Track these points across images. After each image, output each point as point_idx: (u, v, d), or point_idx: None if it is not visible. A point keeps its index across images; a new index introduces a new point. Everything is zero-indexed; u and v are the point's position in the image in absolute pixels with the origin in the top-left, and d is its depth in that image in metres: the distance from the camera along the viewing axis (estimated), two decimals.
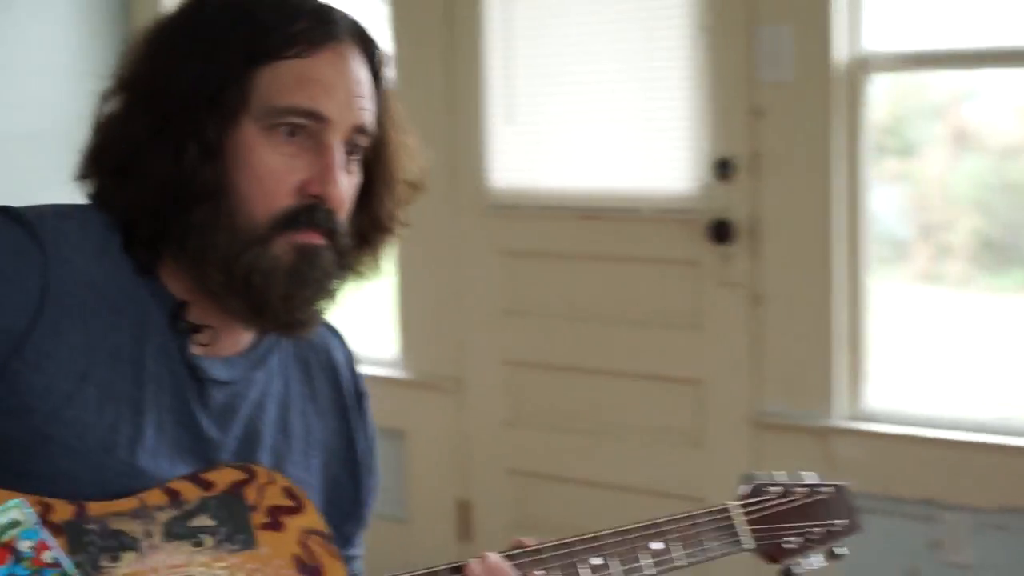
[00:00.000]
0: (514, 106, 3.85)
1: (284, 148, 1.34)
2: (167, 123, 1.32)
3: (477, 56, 3.87)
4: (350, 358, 1.60)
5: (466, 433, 4.03)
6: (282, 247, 1.34)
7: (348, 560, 1.60)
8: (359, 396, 1.60)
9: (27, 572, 1.22)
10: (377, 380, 4.08)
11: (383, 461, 4.32)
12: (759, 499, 1.61)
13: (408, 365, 4.15)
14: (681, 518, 1.55)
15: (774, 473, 1.65)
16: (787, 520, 1.62)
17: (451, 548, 3.98)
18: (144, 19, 4.36)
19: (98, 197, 1.38)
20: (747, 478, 1.63)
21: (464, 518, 4.01)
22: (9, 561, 1.21)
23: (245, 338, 1.43)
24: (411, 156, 1.49)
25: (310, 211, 1.35)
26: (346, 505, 1.56)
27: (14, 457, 1.27)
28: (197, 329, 1.38)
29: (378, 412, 4.25)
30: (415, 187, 1.51)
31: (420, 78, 4.00)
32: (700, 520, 1.56)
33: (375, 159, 1.44)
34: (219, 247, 1.33)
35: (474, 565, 1.42)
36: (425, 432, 4.11)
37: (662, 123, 3.62)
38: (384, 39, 3.97)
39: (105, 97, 1.38)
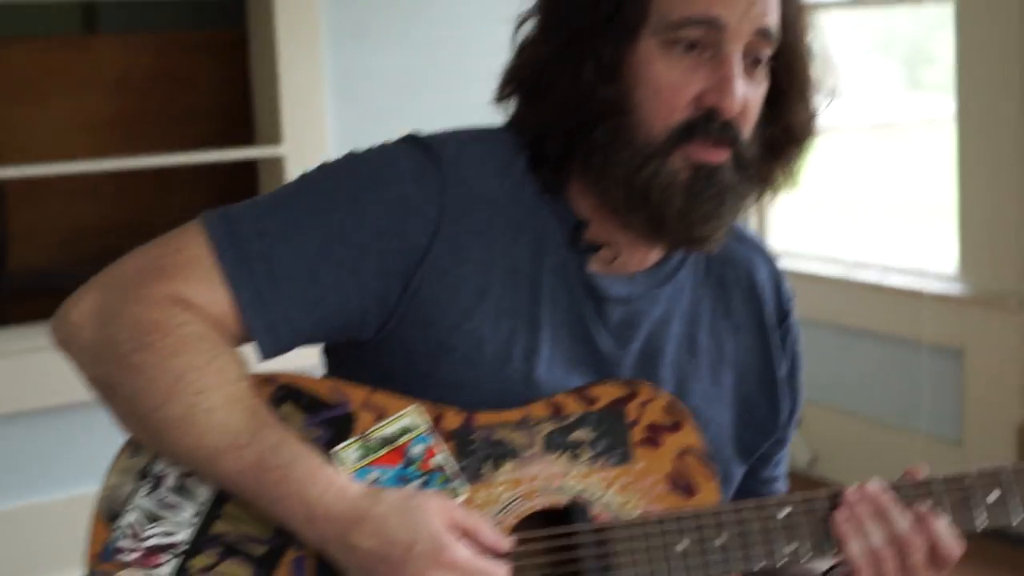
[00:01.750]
0: None
1: (682, 62, 1.35)
2: (568, 45, 1.36)
3: None
4: (776, 276, 1.58)
5: None
6: (680, 162, 1.35)
7: (767, 481, 1.61)
8: (783, 316, 1.58)
9: (416, 474, 1.35)
10: (934, 297, 3.98)
11: (941, 380, 4.24)
12: None
13: (968, 280, 3.97)
14: None
15: None
16: None
17: None
18: None
19: (513, 118, 1.47)
20: None
21: (1023, 445, 3.80)
22: (399, 464, 1.35)
23: (652, 255, 1.46)
24: (824, 63, 1.45)
25: (706, 121, 1.35)
26: (761, 423, 1.55)
27: (420, 364, 1.39)
28: (596, 247, 1.43)
29: (935, 329, 4.16)
30: (831, 95, 1.47)
31: None
32: None
33: (784, 66, 1.41)
34: (620, 163, 1.36)
35: (851, 493, 1.39)
36: (985, 351, 3.92)
37: None
38: None
39: (523, 20, 1.45)
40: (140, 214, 4.27)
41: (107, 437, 1.43)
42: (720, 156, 1.36)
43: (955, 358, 4.01)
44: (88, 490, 1.36)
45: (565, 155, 1.40)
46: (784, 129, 1.43)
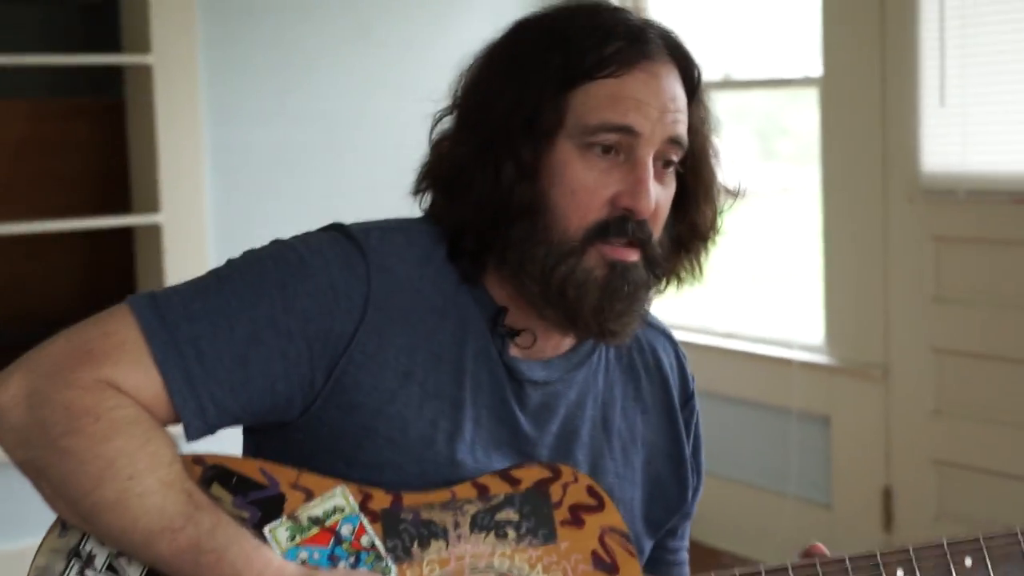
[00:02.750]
0: (947, 88, 3.72)
1: (598, 164, 1.42)
2: (488, 145, 1.42)
3: (911, 37, 3.75)
4: (679, 358, 1.66)
5: (891, 421, 3.95)
6: (595, 260, 1.42)
7: (673, 551, 1.67)
8: (687, 397, 1.65)
9: (345, 554, 1.37)
10: (802, 366, 4.10)
11: (809, 445, 4.36)
12: None
13: (833, 351, 4.11)
14: (1005, 535, 1.50)
15: None
16: None
17: (876, 535, 3.92)
18: None
19: (430, 211, 1.52)
20: None
21: (887, 506, 3.94)
22: (330, 543, 1.37)
23: (567, 340, 1.52)
24: (726, 164, 1.53)
25: (621, 222, 1.42)
26: (669, 500, 1.62)
27: (344, 447, 1.42)
28: (516, 333, 1.48)
29: (803, 397, 4.29)
30: (733, 194, 1.55)
31: (852, 62, 3.95)
32: None
33: (691, 169, 1.49)
34: (536, 260, 1.42)
35: None
36: (850, 418, 4.06)
37: None
38: (814, 23, 3.98)
39: (440, 116, 1.51)
40: (11, 280, 4.20)
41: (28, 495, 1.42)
42: (633, 255, 1.44)
43: (823, 424, 4.14)
44: (9, 547, 1.34)
45: (482, 249, 1.45)
46: (690, 226, 1.51)
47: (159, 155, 4.01)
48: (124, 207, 4.22)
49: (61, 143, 4.28)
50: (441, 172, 1.48)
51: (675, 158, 1.45)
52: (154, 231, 4.06)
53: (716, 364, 4.35)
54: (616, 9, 1.48)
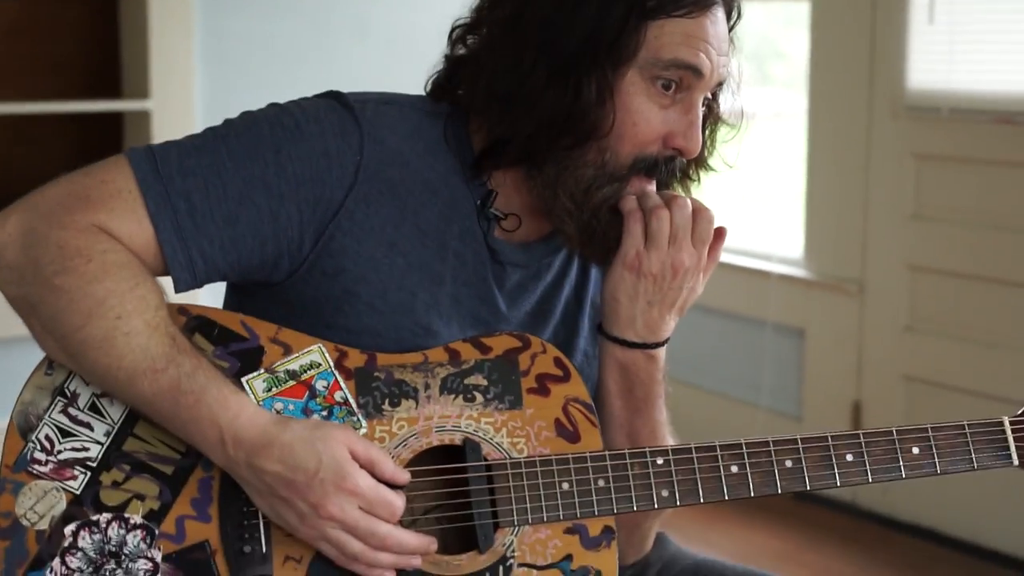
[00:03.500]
0: (936, 5, 3.74)
1: (660, 99, 1.47)
2: (567, 64, 1.44)
3: None
4: None
5: (865, 336, 4.01)
6: (634, 190, 1.49)
7: None
8: None
9: (319, 407, 1.43)
10: (780, 278, 4.16)
11: (783, 357, 4.41)
12: None
13: (811, 265, 4.17)
14: (952, 426, 1.56)
15: None
16: None
17: None
18: None
19: (434, 91, 1.55)
20: None
21: (856, 421, 4.02)
22: (305, 396, 1.43)
23: (547, 225, 1.56)
24: (736, 96, 1.59)
25: (669, 162, 1.49)
26: None
27: (326, 312, 1.47)
28: (503, 217, 1.53)
29: (779, 309, 4.34)
30: (734, 128, 1.61)
31: None
32: (972, 431, 1.56)
33: (712, 104, 1.56)
34: (582, 180, 1.47)
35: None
36: (824, 332, 4.13)
37: None
38: None
39: (484, 12, 1.51)
40: (0, 162, 4.22)
41: (18, 374, 1.48)
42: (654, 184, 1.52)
43: (797, 337, 4.21)
44: (1, 423, 1.40)
45: (525, 157, 1.48)
46: (699, 157, 1.56)
47: (150, 41, 4.01)
48: (114, 92, 4.23)
49: (53, 26, 4.28)
50: (498, 83, 1.46)
51: (709, 97, 1.52)
52: (143, 117, 4.08)
53: None
54: None
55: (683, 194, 1.54)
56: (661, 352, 1.55)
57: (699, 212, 1.51)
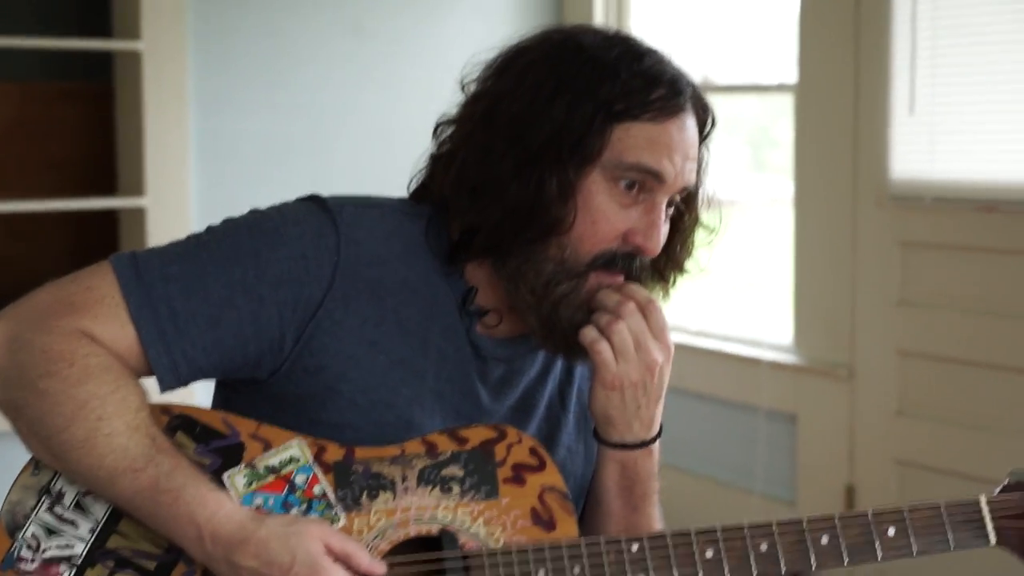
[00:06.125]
0: (917, 96, 3.81)
1: (621, 198, 1.50)
2: (532, 158, 1.48)
3: (884, 46, 3.84)
4: None
5: (856, 420, 4.04)
6: (592, 285, 1.52)
7: None
8: None
9: (298, 501, 1.46)
10: (771, 365, 4.19)
11: (776, 442, 4.41)
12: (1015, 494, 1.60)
13: (801, 351, 4.20)
14: (928, 506, 1.57)
15: None
16: None
17: None
18: (577, 18, 4.65)
19: (415, 192, 1.60)
20: (1015, 473, 1.63)
21: (850, 504, 4.02)
22: (284, 490, 1.46)
23: None
24: (711, 204, 1.63)
25: (628, 257, 1.52)
26: None
27: (310, 408, 1.51)
28: (484, 312, 1.57)
29: (771, 395, 4.35)
30: (711, 231, 1.65)
31: (826, 70, 4.04)
32: (949, 511, 1.58)
33: (684, 209, 1.59)
34: (542, 274, 1.50)
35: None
36: (816, 417, 4.15)
37: None
38: (791, 30, 4.07)
39: (459, 115, 1.56)
40: None
41: (4, 470, 1.53)
42: (620, 282, 1.54)
43: (789, 423, 4.23)
44: None
45: (489, 249, 1.52)
46: (673, 260, 1.61)
47: (146, 140, 4.08)
48: (110, 190, 4.30)
49: (50, 125, 4.35)
50: (467, 172, 1.51)
51: (677, 200, 1.56)
52: (138, 214, 4.14)
53: (686, 361, 4.39)
54: (656, 52, 1.54)
55: (628, 291, 1.54)
56: (656, 445, 1.59)
57: (646, 307, 1.53)
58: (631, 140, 1.49)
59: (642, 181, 1.50)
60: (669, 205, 1.54)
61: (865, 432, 4.01)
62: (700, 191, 1.60)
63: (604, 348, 1.52)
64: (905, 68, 3.82)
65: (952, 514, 1.57)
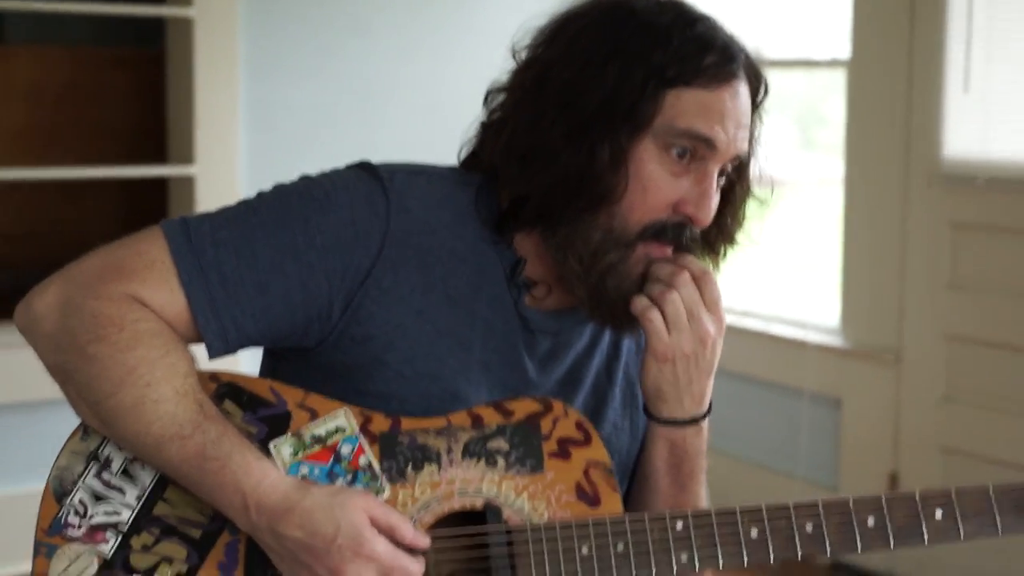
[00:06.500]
0: (972, 74, 3.77)
1: (672, 167, 1.48)
2: (584, 126, 1.46)
3: (939, 23, 3.80)
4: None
5: (901, 406, 4.00)
6: (641, 256, 1.50)
7: None
8: None
9: (344, 472, 1.45)
10: (817, 348, 4.16)
11: (819, 427, 4.39)
12: None
13: (848, 334, 4.17)
14: (977, 490, 1.55)
15: None
16: None
17: None
18: None
19: (466, 162, 1.58)
20: None
21: (894, 491, 3.99)
22: (330, 460, 1.45)
23: None
24: (762, 176, 1.60)
25: (678, 228, 1.50)
26: None
27: (357, 378, 1.50)
28: (532, 284, 1.55)
29: (816, 378, 4.33)
30: (762, 203, 1.62)
31: (880, 46, 4.00)
32: (997, 495, 1.56)
33: (736, 179, 1.57)
34: (590, 242, 1.48)
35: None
36: (861, 401, 4.12)
37: None
38: (845, 4, 4.03)
39: (514, 77, 1.54)
40: (45, 226, 4.30)
41: (53, 436, 1.52)
42: (668, 253, 1.51)
43: (833, 407, 4.20)
44: (37, 486, 1.44)
45: (539, 217, 1.50)
46: (723, 231, 1.58)
47: (196, 108, 4.09)
48: (160, 158, 4.31)
49: (101, 91, 4.38)
50: (517, 140, 1.49)
51: (729, 169, 1.53)
52: (187, 182, 4.15)
53: (730, 341, 4.38)
54: (708, 18, 1.52)
55: (682, 261, 1.52)
56: (706, 423, 1.58)
57: (700, 278, 1.51)
58: (684, 106, 1.46)
59: (694, 149, 1.47)
60: (721, 175, 1.51)
61: (910, 418, 3.98)
62: (752, 161, 1.57)
63: (656, 317, 1.50)
64: (960, 45, 3.77)
65: (1001, 498, 1.55)
